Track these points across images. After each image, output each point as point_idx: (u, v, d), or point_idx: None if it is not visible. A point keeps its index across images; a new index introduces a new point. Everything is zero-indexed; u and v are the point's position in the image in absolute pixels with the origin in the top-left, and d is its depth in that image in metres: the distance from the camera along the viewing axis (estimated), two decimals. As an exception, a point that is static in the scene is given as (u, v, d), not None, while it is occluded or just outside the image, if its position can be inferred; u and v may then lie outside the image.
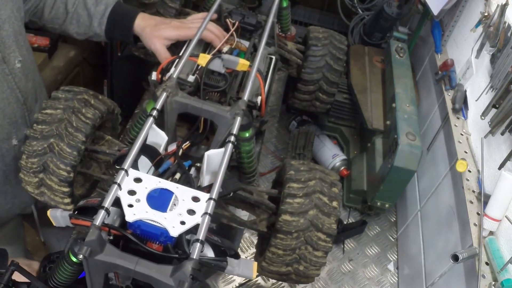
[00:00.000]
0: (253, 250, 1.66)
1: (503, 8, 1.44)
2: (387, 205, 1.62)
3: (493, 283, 1.13)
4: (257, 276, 1.57)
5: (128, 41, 1.39)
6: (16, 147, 1.26)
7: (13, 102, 1.21)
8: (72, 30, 1.39)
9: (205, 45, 1.36)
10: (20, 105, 1.24)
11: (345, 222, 1.78)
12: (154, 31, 1.32)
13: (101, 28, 1.37)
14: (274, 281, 1.58)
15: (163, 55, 1.31)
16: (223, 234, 1.35)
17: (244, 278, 1.57)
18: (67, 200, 1.12)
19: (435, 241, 1.50)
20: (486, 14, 1.54)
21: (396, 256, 1.74)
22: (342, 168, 1.86)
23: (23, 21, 1.24)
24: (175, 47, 1.35)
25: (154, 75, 1.22)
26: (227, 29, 1.37)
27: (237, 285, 1.56)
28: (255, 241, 1.67)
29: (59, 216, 0.94)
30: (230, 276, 1.57)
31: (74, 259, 0.85)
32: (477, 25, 1.59)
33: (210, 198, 0.86)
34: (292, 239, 1.07)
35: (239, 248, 1.66)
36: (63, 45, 2.06)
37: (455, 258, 1.17)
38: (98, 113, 1.11)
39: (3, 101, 1.18)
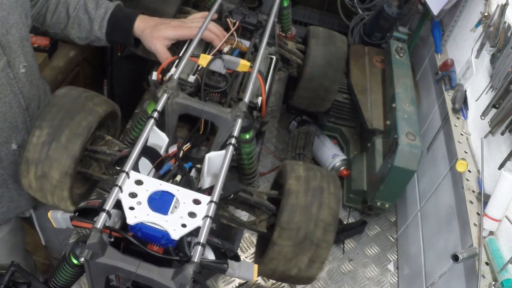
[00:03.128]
0: (253, 250, 1.66)
1: (503, 8, 1.44)
2: (387, 205, 1.62)
3: (493, 283, 1.13)
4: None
5: (129, 43, 1.39)
6: (15, 151, 1.26)
7: (15, 106, 1.21)
8: (74, 35, 1.40)
9: (205, 45, 1.36)
10: (22, 110, 1.24)
11: (345, 222, 1.78)
12: (154, 32, 1.32)
13: (101, 31, 1.38)
14: (274, 281, 1.58)
15: (164, 55, 1.31)
16: (223, 234, 1.35)
17: (244, 279, 1.57)
18: (67, 201, 1.12)
19: (435, 241, 1.50)
20: (486, 14, 1.54)
21: (396, 256, 1.74)
22: (342, 168, 1.86)
23: (29, 28, 1.25)
24: (176, 47, 1.35)
25: (154, 75, 1.21)
26: (227, 29, 1.37)
27: (237, 285, 1.56)
28: (255, 241, 1.67)
29: (59, 218, 0.94)
30: (230, 276, 1.57)
31: (75, 262, 0.85)
32: (477, 25, 1.59)
33: (211, 201, 0.86)
34: (292, 240, 1.07)
35: (239, 248, 1.66)
36: (63, 45, 2.06)
37: (455, 258, 1.17)
38: (98, 115, 1.11)
39: (5, 105, 1.18)
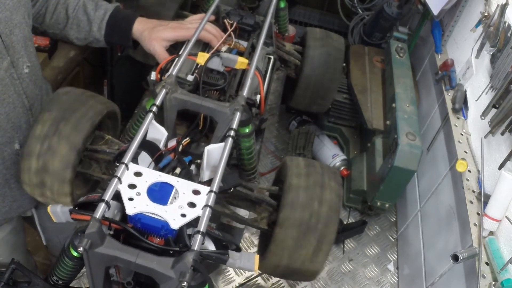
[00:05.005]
0: (253, 250, 1.66)
1: (503, 8, 1.44)
2: (387, 205, 1.62)
3: (493, 283, 1.13)
4: (257, 276, 1.57)
5: (127, 45, 1.40)
6: (18, 151, 1.26)
7: (18, 107, 1.22)
8: (72, 35, 1.40)
9: (203, 46, 1.36)
10: (26, 110, 1.24)
11: (345, 222, 1.78)
12: (152, 33, 1.33)
13: (100, 32, 1.38)
14: (274, 281, 1.58)
15: (162, 56, 1.31)
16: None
17: (244, 278, 1.56)
18: (68, 201, 1.12)
19: (435, 241, 1.50)
20: (486, 14, 1.55)
21: (396, 256, 1.74)
22: (342, 168, 1.86)
23: (31, 28, 1.25)
24: (174, 48, 1.35)
25: (153, 75, 1.22)
26: (225, 30, 1.37)
27: (237, 285, 1.56)
28: (256, 241, 1.66)
29: (59, 212, 0.94)
30: (230, 276, 1.57)
31: (74, 253, 0.85)
32: (477, 25, 1.59)
33: (210, 191, 0.86)
34: (293, 236, 1.06)
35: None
36: (63, 45, 2.06)
37: (455, 258, 1.17)
38: (97, 113, 1.11)
39: (8, 105, 1.18)
